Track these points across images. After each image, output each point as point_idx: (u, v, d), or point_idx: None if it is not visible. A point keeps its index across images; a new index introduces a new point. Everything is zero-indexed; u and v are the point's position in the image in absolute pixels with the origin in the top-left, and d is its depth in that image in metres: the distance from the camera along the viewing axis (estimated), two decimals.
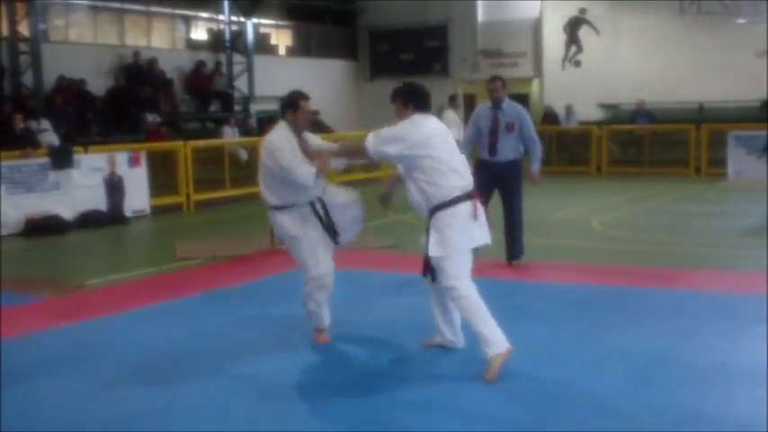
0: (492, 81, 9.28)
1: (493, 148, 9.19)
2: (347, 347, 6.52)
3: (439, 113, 13.97)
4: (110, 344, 6.77)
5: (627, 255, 10.34)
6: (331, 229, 6.41)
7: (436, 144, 5.79)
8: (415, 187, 5.85)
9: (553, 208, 14.53)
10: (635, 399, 5.24)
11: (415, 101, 5.95)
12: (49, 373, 6.06)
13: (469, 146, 9.54)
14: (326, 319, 6.57)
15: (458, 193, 5.79)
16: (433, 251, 5.80)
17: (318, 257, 6.33)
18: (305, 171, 6.15)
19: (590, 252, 10.72)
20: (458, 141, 14.16)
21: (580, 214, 14.06)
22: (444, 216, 5.79)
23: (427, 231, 5.87)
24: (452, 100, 16.71)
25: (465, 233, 5.82)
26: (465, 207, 5.82)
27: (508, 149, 9.17)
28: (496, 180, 9.21)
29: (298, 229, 6.32)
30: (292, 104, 6.40)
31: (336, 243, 6.47)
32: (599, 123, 22.23)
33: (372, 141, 5.83)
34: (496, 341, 5.76)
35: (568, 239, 11.70)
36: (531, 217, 12.94)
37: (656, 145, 21.51)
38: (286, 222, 6.35)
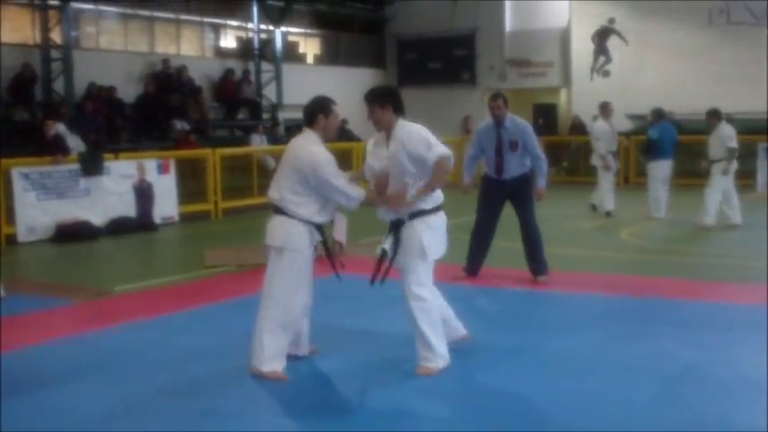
0: (493, 99, 9.18)
1: (499, 168, 9.15)
2: (373, 355, 6.51)
3: (464, 125, 13.92)
4: (136, 350, 6.81)
5: (656, 266, 10.29)
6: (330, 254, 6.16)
7: None
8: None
9: (582, 218, 14.48)
10: (663, 412, 5.21)
11: (395, 104, 6.01)
12: (74, 379, 6.09)
13: (472, 164, 9.53)
14: (282, 357, 6.00)
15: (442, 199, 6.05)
16: (414, 254, 5.91)
17: (302, 293, 5.99)
18: (356, 193, 5.88)
19: (619, 263, 10.67)
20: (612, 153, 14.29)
21: (609, 225, 13.99)
22: (433, 220, 5.99)
23: (396, 233, 5.97)
24: (605, 108, 15.34)
25: (443, 240, 6.08)
26: (444, 215, 6.06)
27: (514, 167, 9.12)
28: (506, 196, 9.26)
29: (304, 245, 5.94)
30: (324, 109, 5.98)
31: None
32: (627, 134, 22.11)
33: (444, 151, 5.86)
34: (442, 354, 5.98)
35: (597, 250, 11.65)
36: (559, 227, 12.99)
37: (685, 156, 21.33)
38: (298, 234, 5.89)
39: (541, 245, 9.28)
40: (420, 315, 5.93)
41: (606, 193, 14.97)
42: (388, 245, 6.02)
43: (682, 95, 22.58)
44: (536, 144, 9.20)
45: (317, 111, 5.96)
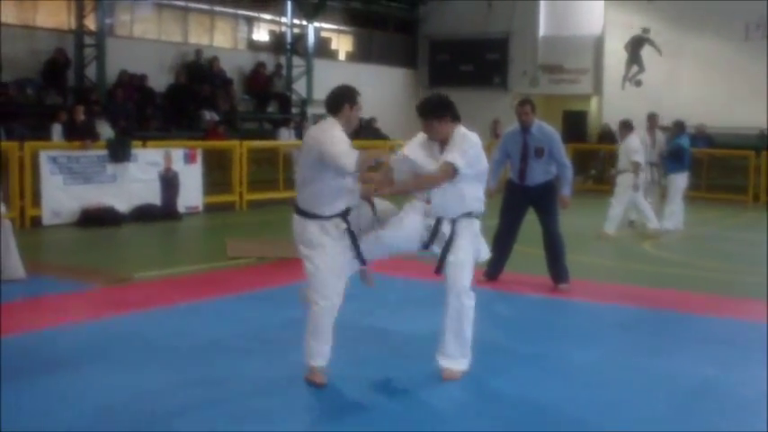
0: (521, 105, 9.11)
1: (523, 174, 9.10)
2: (389, 355, 6.48)
3: (493, 129, 13.84)
4: (150, 338, 6.83)
5: (677, 279, 10.19)
6: (356, 246, 5.77)
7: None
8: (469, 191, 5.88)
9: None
10: (677, 427, 5.16)
11: (452, 113, 5.93)
12: (87, 363, 6.11)
13: (497, 169, 9.42)
14: (326, 354, 5.74)
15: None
16: (468, 254, 5.87)
17: (336, 280, 5.71)
18: (351, 160, 5.44)
19: (640, 274, 10.59)
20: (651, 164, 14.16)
21: (633, 236, 13.89)
22: (478, 223, 6.00)
23: (438, 231, 5.87)
24: (651, 119, 15.07)
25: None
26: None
27: (538, 173, 9.06)
28: (530, 202, 9.21)
29: (323, 238, 5.66)
30: (351, 98, 5.71)
31: (362, 262, 5.90)
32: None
33: (458, 160, 5.78)
34: (469, 354, 5.98)
35: (619, 260, 11.59)
36: (583, 236, 12.91)
37: (715, 170, 21.19)
38: (313, 229, 5.66)
39: (564, 253, 9.22)
40: (467, 315, 5.93)
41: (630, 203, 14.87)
42: (438, 240, 5.93)
43: (714, 109, 22.41)
44: (562, 152, 9.12)
45: (344, 100, 5.71)
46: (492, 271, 9.33)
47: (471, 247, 5.92)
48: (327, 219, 5.64)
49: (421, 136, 6.06)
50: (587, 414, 5.32)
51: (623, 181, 13.57)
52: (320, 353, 5.67)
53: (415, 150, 5.99)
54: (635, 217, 14.80)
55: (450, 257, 5.86)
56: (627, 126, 13.90)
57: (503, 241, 9.30)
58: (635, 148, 13.43)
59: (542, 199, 9.14)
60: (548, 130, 9.14)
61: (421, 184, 5.88)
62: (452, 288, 5.88)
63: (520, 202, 9.22)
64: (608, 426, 5.13)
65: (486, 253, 6.10)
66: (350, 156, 5.44)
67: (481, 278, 9.26)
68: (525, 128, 9.05)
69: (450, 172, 5.74)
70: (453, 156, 5.74)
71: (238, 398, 5.50)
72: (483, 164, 5.95)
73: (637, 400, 5.58)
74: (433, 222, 5.89)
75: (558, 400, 5.56)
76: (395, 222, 5.88)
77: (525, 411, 5.37)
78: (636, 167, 13.37)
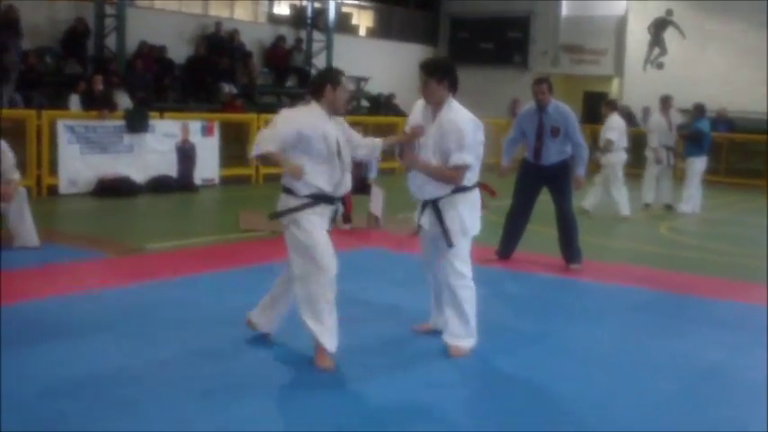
0: (538, 83, 9.03)
1: (538, 153, 9.03)
2: (396, 330, 6.48)
3: (512, 108, 13.78)
4: (159, 308, 6.86)
5: (692, 263, 10.14)
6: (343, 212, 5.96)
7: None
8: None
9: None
10: (682, 411, 5.14)
11: (452, 81, 5.83)
12: (95, 331, 6.14)
13: (512, 147, 9.44)
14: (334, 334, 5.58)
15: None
16: (455, 232, 5.83)
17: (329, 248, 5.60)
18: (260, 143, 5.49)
19: (654, 257, 10.55)
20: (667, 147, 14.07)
21: (649, 218, 13.83)
22: (471, 196, 5.92)
23: (434, 210, 5.87)
24: (665, 101, 15.01)
25: (479, 217, 6.00)
26: (478, 192, 6.02)
27: (553, 153, 8.99)
28: (544, 182, 9.16)
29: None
30: (333, 79, 5.56)
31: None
32: (678, 128, 21.78)
33: (465, 161, 5.76)
34: (474, 334, 5.98)
35: (634, 243, 11.53)
36: (600, 217, 12.86)
37: (734, 154, 21.05)
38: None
39: (577, 233, 9.18)
40: (463, 293, 5.91)
41: (646, 185, 14.81)
42: (425, 221, 5.97)
43: (735, 93, 22.23)
44: (578, 131, 9.07)
45: (326, 81, 5.58)
46: (504, 250, 9.32)
47: (460, 226, 5.87)
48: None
49: (419, 104, 6.03)
50: (592, 395, 5.30)
51: (608, 161, 13.45)
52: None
53: (416, 120, 5.98)
54: (651, 200, 14.74)
55: (439, 241, 5.91)
56: (610, 105, 13.94)
57: (516, 221, 9.28)
58: (612, 126, 13.37)
59: (557, 179, 9.10)
60: (564, 109, 9.08)
61: (436, 174, 5.82)
62: (444, 270, 5.91)
63: (534, 182, 9.18)
64: (613, 407, 5.12)
65: (477, 228, 5.98)
66: (263, 140, 5.46)
67: (493, 257, 9.27)
68: (541, 107, 8.99)
69: (464, 173, 5.77)
70: (460, 157, 5.71)
71: (247, 369, 5.53)
72: (480, 145, 5.89)
73: (643, 383, 5.56)
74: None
75: (563, 380, 5.54)
76: None
77: (529, 390, 5.36)
78: (608, 145, 13.29)
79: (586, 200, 13.34)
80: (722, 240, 11.86)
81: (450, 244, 5.83)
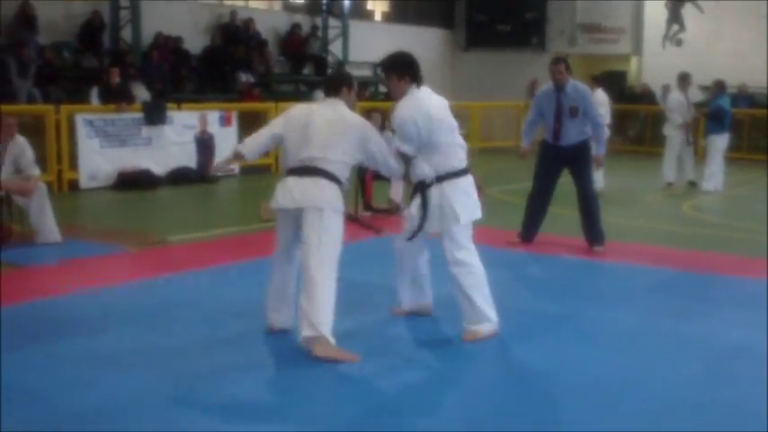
0: (555, 63, 8.94)
1: (557, 134, 8.96)
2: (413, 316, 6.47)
3: (530, 90, 13.71)
4: (184, 301, 6.86)
5: (715, 241, 10.06)
6: None
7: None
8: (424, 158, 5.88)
9: (645, 189, 14.25)
10: (707, 392, 5.09)
11: (413, 75, 5.92)
12: (118, 325, 6.15)
13: (531, 129, 9.42)
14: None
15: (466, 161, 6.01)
16: (448, 219, 5.83)
17: None
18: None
19: (678, 236, 10.49)
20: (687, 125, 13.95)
21: (672, 197, 13.74)
22: (461, 182, 5.90)
23: (423, 195, 5.86)
24: (683, 79, 14.96)
25: (476, 202, 5.99)
26: (471, 177, 6.04)
27: (573, 133, 8.92)
28: (564, 163, 9.09)
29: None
30: (349, 82, 6.00)
31: None
32: (698, 105, 21.62)
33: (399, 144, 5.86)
34: (490, 318, 5.95)
35: (657, 222, 11.44)
36: (622, 197, 12.79)
37: (756, 130, 20.85)
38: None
39: (599, 214, 9.11)
40: (464, 280, 5.88)
41: (667, 163, 14.71)
42: (414, 208, 5.94)
43: (756, 69, 21.99)
44: (596, 111, 8.98)
45: (342, 83, 5.95)
46: (527, 233, 9.27)
47: (457, 213, 5.83)
48: None
49: None
50: (618, 377, 5.26)
51: None
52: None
53: None
54: (672, 179, 14.63)
55: (436, 226, 5.91)
56: (596, 80, 13.92)
57: (537, 203, 9.23)
58: (600, 101, 13.26)
59: (576, 159, 9.03)
60: (582, 88, 9.01)
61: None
62: (446, 258, 5.91)
63: (554, 163, 9.12)
64: (633, 387, 5.07)
65: (474, 213, 5.95)
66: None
67: (516, 240, 9.23)
68: (559, 87, 8.91)
69: (403, 160, 5.87)
70: (396, 142, 5.85)
71: (269, 360, 5.55)
72: (439, 131, 5.87)
73: (667, 364, 5.52)
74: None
75: (588, 363, 5.51)
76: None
77: (554, 374, 5.32)
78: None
79: None
80: (745, 218, 11.76)
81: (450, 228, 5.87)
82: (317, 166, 5.61)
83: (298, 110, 5.92)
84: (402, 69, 5.90)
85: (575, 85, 8.96)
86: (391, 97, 6.17)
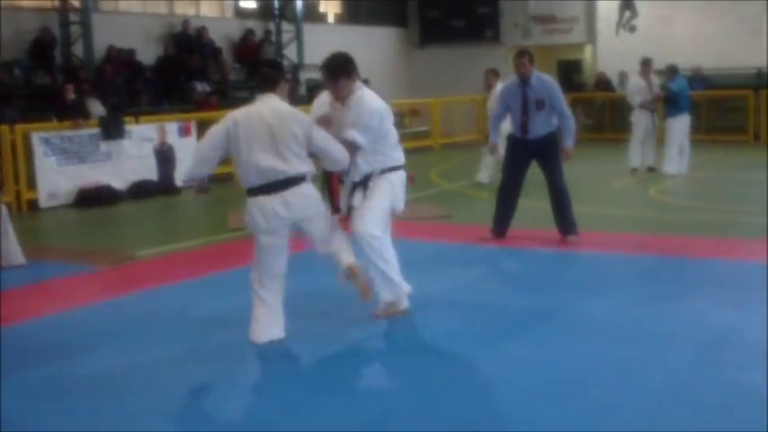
0: (519, 56, 8.88)
1: (524, 127, 8.89)
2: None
3: (486, 82, 13.66)
4: (158, 317, 6.70)
5: (686, 224, 10.07)
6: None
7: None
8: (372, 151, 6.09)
9: (610, 176, 14.27)
10: (707, 377, 5.02)
11: (356, 71, 6.13)
12: (95, 348, 5.97)
13: (498, 124, 9.42)
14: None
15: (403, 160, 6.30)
16: (372, 199, 6.03)
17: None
18: None
19: (648, 222, 10.48)
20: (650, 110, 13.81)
21: (637, 183, 13.77)
22: (395, 176, 6.17)
23: (360, 189, 6.11)
24: (645, 64, 14.79)
25: (402, 197, 6.28)
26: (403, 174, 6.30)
27: (540, 126, 8.85)
28: (532, 156, 9.02)
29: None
30: (285, 74, 6.17)
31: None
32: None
33: (359, 140, 5.99)
34: (404, 289, 6.24)
35: (626, 209, 11.44)
36: (588, 186, 12.79)
37: (713, 112, 20.99)
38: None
39: (570, 204, 9.05)
40: (374, 252, 5.99)
41: (633, 149, 14.72)
42: (356, 201, 6.12)
43: (711, 50, 22.12)
44: (563, 102, 8.94)
45: (281, 74, 6.01)
46: (499, 228, 9.19)
47: (381, 200, 6.05)
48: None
49: (324, 96, 6.31)
50: (609, 370, 5.17)
51: None
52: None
53: (322, 111, 6.23)
54: (637, 164, 14.66)
55: (356, 209, 6.08)
56: (495, 73, 13.85)
57: (507, 197, 9.16)
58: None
59: (545, 152, 8.96)
60: (547, 80, 8.95)
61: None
62: (356, 234, 6.02)
63: (523, 156, 9.05)
64: (626, 381, 4.98)
65: (401, 204, 6.23)
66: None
67: (488, 235, 9.16)
68: (524, 80, 8.85)
69: (353, 151, 5.97)
70: (351, 133, 5.94)
71: (256, 371, 5.45)
72: (390, 125, 6.17)
73: (658, 353, 5.44)
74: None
75: (575, 357, 5.42)
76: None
77: (542, 370, 5.21)
78: None
79: (481, 173, 13.33)
80: (712, 199, 11.81)
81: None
82: (286, 176, 5.60)
83: (240, 114, 5.76)
84: (349, 69, 6.07)
85: (539, 77, 8.89)
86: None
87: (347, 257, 5.90)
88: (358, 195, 6.10)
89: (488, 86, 13.66)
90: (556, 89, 8.92)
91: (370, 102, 6.02)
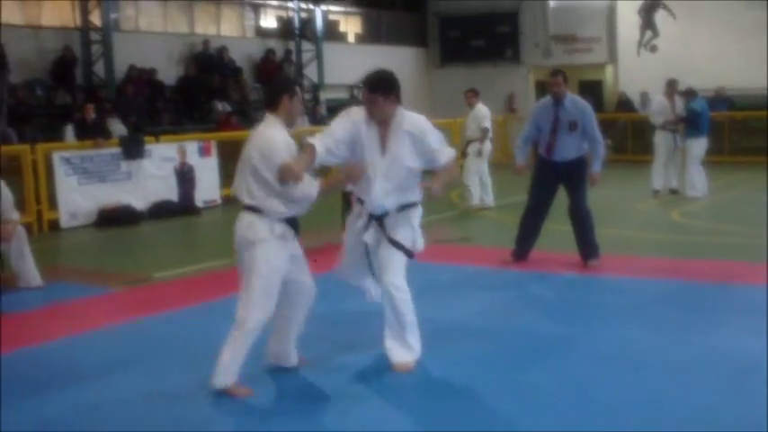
0: (553, 75, 8.72)
1: (551, 148, 8.73)
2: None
3: (508, 104, 13.58)
4: (175, 340, 6.64)
5: (709, 248, 9.93)
6: None
7: None
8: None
9: (632, 198, 14.12)
10: (737, 410, 4.89)
11: (398, 94, 5.60)
12: (111, 372, 5.91)
13: (527, 144, 9.19)
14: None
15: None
16: (409, 244, 5.68)
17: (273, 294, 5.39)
18: (311, 189, 5.28)
19: (671, 245, 10.36)
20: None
21: (660, 205, 13.63)
22: (417, 213, 5.79)
23: (379, 225, 5.69)
24: (670, 85, 14.73)
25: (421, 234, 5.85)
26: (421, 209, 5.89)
27: (570, 148, 8.69)
28: (559, 179, 8.86)
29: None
30: (289, 89, 5.39)
31: None
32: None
33: (453, 152, 5.67)
34: (418, 349, 5.77)
35: (649, 232, 11.31)
36: (611, 208, 12.65)
37: (736, 133, 20.83)
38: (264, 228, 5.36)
39: (593, 229, 8.89)
40: (404, 306, 5.67)
41: (655, 171, 14.60)
42: (370, 237, 5.75)
43: (732, 71, 21.97)
44: (595, 126, 8.74)
45: (282, 91, 5.37)
46: (520, 251, 9.08)
47: (412, 240, 5.72)
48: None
49: (355, 113, 5.67)
50: (635, 401, 5.04)
51: (472, 150, 13.26)
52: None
53: (354, 131, 5.60)
54: (660, 186, 14.52)
55: (381, 252, 5.69)
56: (475, 92, 13.59)
57: (532, 220, 9.02)
58: (484, 114, 13.18)
59: (573, 175, 8.79)
60: (581, 103, 8.78)
61: (450, 175, 5.75)
62: (383, 282, 5.69)
63: (551, 179, 8.88)
64: (650, 412, 4.86)
65: (421, 243, 5.78)
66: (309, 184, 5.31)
67: (509, 258, 9.05)
68: (557, 100, 8.68)
69: (455, 166, 5.74)
70: (448, 151, 5.63)
71: (272, 401, 5.35)
72: None
73: (686, 384, 5.32)
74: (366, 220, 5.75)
75: (599, 386, 5.31)
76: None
77: (565, 399, 5.11)
78: (485, 134, 13.09)
79: (474, 196, 13.33)
80: (735, 222, 11.65)
81: (410, 256, 5.70)
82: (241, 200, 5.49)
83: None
84: (387, 88, 5.56)
85: (573, 99, 8.75)
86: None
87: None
88: (372, 232, 5.73)
89: (469, 105, 13.52)
90: (589, 113, 8.75)
91: (430, 126, 5.67)
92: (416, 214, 5.79)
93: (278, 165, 5.14)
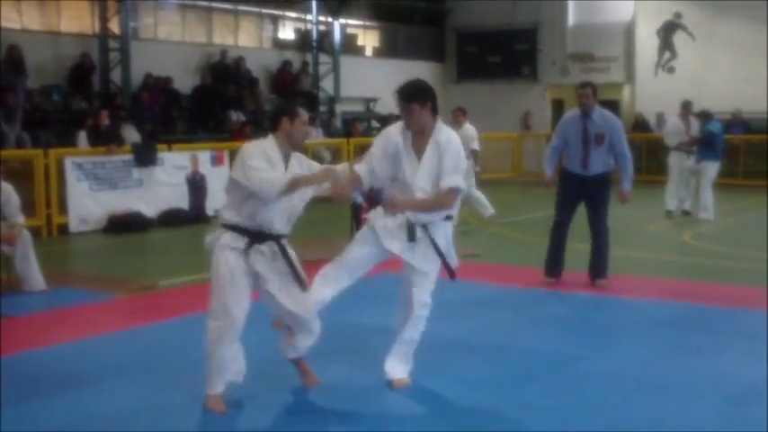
0: (582, 87, 8.64)
1: (585, 162, 8.58)
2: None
3: (524, 121, 13.53)
4: (177, 347, 6.60)
5: (719, 271, 9.84)
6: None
7: None
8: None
9: (645, 219, 14.01)
10: None
11: (434, 103, 5.52)
12: (111, 378, 5.89)
13: (555, 157, 9.03)
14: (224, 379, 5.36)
15: None
16: (434, 263, 5.54)
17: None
18: (274, 179, 5.09)
19: (681, 267, 10.28)
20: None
21: (673, 226, 13.54)
22: (450, 227, 5.63)
23: (409, 232, 5.45)
24: (685, 107, 14.60)
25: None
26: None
27: (598, 162, 8.56)
28: (584, 194, 8.73)
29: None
30: (290, 112, 5.26)
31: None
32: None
33: (459, 183, 5.48)
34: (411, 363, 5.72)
35: (659, 253, 11.24)
36: (622, 228, 12.54)
37: (752, 156, 20.70)
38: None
39: (607, 249, 8.77)
40: (422, 324, 5.62)
41: (669, 192, 14.52)
42: (395, 247, 5.53)
43: (749, 94, 21.88)
44: (624, 141, 8.61)
45: (281, 114, 5.28)
46: (554, 269, 8.90)
47: (438, 262, 5.56)
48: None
49: (392, 128, 5.65)
50: (629, 421, 5.01)
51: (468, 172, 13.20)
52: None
53: (389, 145, 5.54)
54: (673, 207, 14.44)
55: (416, 265, 5.53)
56: (463, 112, 13.47)
57: (562, 235, 8.87)
58: (472, 135, 13.06)
59: (597, 191, 8.65)
60: (610, 117, 8.66)
61: (429, 206, 5.48)
62: (412, 299, 5.57)
63: (577, 193, 8.72)
64: None
65: (455, 258, 5.64)
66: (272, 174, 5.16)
67: (544, 278, 8.89)
68: (586, 112, 8.57)
69: (457, 197, 5.51)
70: (455, 179, 5.41)
71: (272, 409, 5.33)
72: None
73: (687, 406, 5.27)
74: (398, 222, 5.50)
75: (602, 407, 5.27)
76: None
77: (569, 419, 5.06)
78: (475, 156, 13.01)
79: (483, 207, 13.29)
80: (747, 246, 11.54)
81: (453, 275, 5.59)
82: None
83: None
84: (424, 96, 5.48)
85: (601, 112, 8.62)
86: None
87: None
88: (400, 241, 5.49)
89: (456, 124, 13.41)
90: (618, 127, 8.64)
91: (458, 143, 5.54)
92: (449, 229, 5.64)
93: (248, 165, 5.07)
